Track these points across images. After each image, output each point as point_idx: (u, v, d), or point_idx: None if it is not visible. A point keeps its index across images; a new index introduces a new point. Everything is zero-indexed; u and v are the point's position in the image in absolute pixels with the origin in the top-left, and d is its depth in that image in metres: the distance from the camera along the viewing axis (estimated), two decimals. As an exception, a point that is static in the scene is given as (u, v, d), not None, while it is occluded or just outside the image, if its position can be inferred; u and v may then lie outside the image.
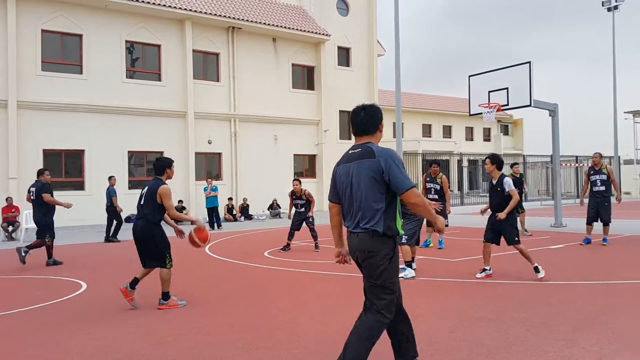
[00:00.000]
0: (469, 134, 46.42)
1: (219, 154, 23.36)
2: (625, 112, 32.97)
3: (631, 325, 4.82)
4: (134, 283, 6.07)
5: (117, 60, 20.78)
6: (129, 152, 21.04)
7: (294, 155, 25.43)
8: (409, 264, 7.61)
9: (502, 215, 7.13)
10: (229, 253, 10.84)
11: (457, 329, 4.95)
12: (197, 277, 8.07)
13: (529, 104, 14.07)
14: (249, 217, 21.55)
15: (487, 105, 14.76)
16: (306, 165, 26.34)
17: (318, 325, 5.08)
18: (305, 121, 25.64)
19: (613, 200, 11.00)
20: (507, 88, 14.35)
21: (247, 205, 22.04)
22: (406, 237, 7.69)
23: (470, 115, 16.16)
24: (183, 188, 21.67)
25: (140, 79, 21.55)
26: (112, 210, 13.96)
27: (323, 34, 25.67)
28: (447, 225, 11.83)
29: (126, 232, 14.72)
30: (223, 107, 23.28)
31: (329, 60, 26.60)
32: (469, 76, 15.66)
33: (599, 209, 10.54)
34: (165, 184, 6.08)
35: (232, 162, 23.36)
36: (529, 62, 14.07)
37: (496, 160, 7.17)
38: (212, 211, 17.61)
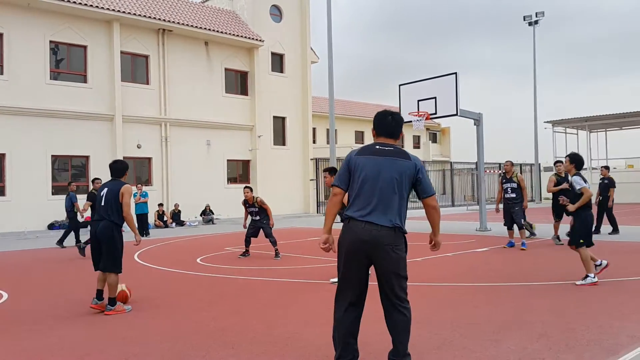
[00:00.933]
0: (400, 141, 47.59)
1: (149, 159, 22.66)
2: (545, 122, 34.95)
3: (551, 324, 5.09)
4: (99, 294, 6.12)
5: (41, 61, 19.75)
6: (52, 156, 20.03)
7: (227, 160, 25.11)
8: None
9: (572, 208, 7.03)
10: (159, 260, 10.50)
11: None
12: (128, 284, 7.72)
13: (455, 113, 14.57)
14: (180, 223, 21.06)
15: (416, 113, 15.15)
16: (240, 171, 26.07)
17: (251, 333, 5.01)
18: (238, 126, 25.39)
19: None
20: (435, 97, 14.79)
21: (179, 211, 21.51)
22: None
23: (400, 122, 16.54)
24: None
25: (66, 80, 20.58)
26: (73, 216, 13.47)
27: (256, 39, 25.56)
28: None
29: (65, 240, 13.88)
30: (153, 111, 22.63)
31: (263, 65, 26.52)
32: (399, 85, 16.03)
33: (512, 214, 11.08)
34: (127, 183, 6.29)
35: (162, 167, 22.74)
36: (455, 73, 14.58)
37: (575, 159, 7.18)
38: (142, 218, 17.08)
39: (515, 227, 11.27)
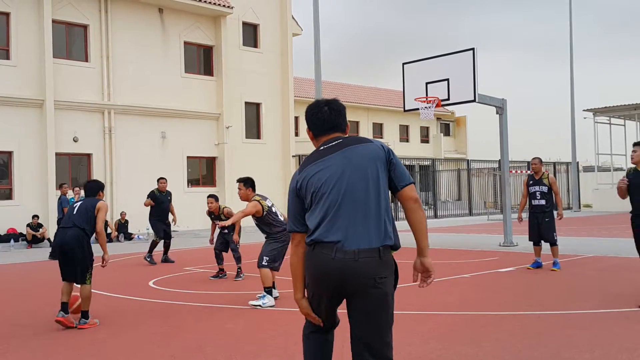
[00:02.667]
0: (404, 133, 47.90)
1: (89, 155, 22.50)
2: (584, 110, 35.07)
3: None
4: (65, 307, 6.86)
5: (-52, 30, 19.49)
6: (-36, 152, 19.78)
7: (188, 157, 25.02)
8: (269, 291, 7.96)
9: None
10: (102, 284, 10.41)
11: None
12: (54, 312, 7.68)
13: (472, 99, 14.62)
14: (128, 236, 20.95)
15: (424, 99, 15.19)
16: (203, 171, 25.97)
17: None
18: (201, 115, 25.31)
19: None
20: (447, 79, 14.83)
21: (126, 221, 21.37)
22: (267, 258, 7.99)
23: (405, 111, 16.62)
24: (39, 199, 20.61)
25: (-19, 55, 20.36)
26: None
27: (224, 6, 25.53)
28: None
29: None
30: (94, 95, 22.47)
31: (232, 39, 26.47)
32: (403, 64, 16.06)
33: (540, 226, 10.79)
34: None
35: (106, 165, 22.58)
36: (473, 49, 14.62)
37: None
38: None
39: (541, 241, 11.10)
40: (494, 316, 7.09)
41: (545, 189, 10.82)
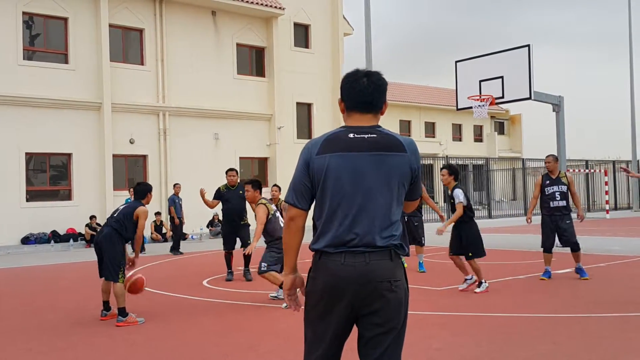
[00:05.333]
0: (457, 132, 47.32)
1: (144, 157, 23.01)
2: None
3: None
4: (106, 306, 7.47)
5: (12, 37, 20.26)
6: (27, 154, 20.50)
7: (240, 158, 25.30)
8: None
9: None
10: (158, 282, 10.67)
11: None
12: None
13: (528, 96, 14.42)
14: (182, 236, 21.29)
15: (478, 97, 15.06)
16: (255, 171, 26.23)
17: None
18: (253, 116, 25.58)
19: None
20: (502, 77, 14.69)
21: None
22: (266, 263, 8.09)
23: (458, 109, 16.47)
24: (97, 200, 21.21)
25: (42, 60, 21.04)
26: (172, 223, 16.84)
27: (276, 7, 25.74)
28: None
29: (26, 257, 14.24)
30: (149, 98, 22.97)
31: (284, 40, 26.67)
32: (456, 62, 15.97)
33: (559, 230, 9.93)
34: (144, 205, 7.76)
35: (160, 166, 23.05)
36: (528, 46, 14.44)
37: None
38: (135, 230, 17.41)
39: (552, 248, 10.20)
40: (550, 318, 6.96)
41: (564, 188, 9.91)
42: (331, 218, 2.98)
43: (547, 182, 10.08)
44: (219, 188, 11.62)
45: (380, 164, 2.97)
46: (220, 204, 11.55)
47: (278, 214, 8.62)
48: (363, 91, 3.06)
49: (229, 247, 11.12)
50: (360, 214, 2.95)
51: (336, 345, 3.05)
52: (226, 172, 11.79)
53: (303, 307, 3.14)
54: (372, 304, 2.92)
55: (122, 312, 7.15)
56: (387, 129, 3.11)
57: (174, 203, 16.97)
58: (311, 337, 3.08)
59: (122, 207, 7.78)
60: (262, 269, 8.10)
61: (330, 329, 3.00)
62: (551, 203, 10.00)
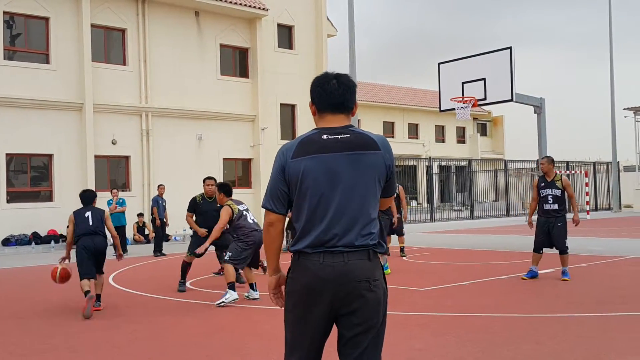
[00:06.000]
0: (440, 133, 47.55)
1: (127, 158, 22.87)
2: (624, 109, 34.61)
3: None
4: (99, 298, 8.38)
5: (-9, 36, 20.04)
6: (7, 155, 20.29)
7: (224, 159, 25.23)
8: (231, 286, 8.33)
9: None
10: (139, 284, 10.62)
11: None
12: (99, 314, 7.84)
13: (510, 98, 14.54)
14: (165, 237, 21.18)
15: (460, 99, 15.14)
16: (239, 172, 26.18)
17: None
18: (237, 117, 25.52)
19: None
20: (484, 79, 14.79)
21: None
22: (231, 254, 8.46)
23: (440, 111, 16.57)
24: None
25: (23, 60, 20.84)
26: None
27: (259, 8, 25.70)
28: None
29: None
30: (131, 98, 22.84)
31: (267, 41, 26.64)
32: (439, 64, 16.05)
33: (551, 232, 9.93)
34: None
35: (143, 167, 22.93)
36: (510, 48, 14.55)
37: None
38: (118, 231, 17.21)
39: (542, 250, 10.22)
40: (533, 318, 7.00)
41: (558, 192, 9.85)
42: (310, 219, 3.00)
43: (542, 184, 10.03)
44: (195, 198, 10.63)
45: (356, 163, 3.00)
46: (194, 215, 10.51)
47: (248, 213, 8.78)
48: (334, 92, 3.10)
49: (195, 252, 9.71)
50: (338, 214, 2.98)
51: (316, 345, 3.07)
52: (204, 181, 10.78)
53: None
54: (351, 303, 2.94)
55: (99, 297, 8.43)
56: (359, 128, 3.14)
57: (157, 204, 16.88)
58: (291, 338, 3.10)
59: (89, 214, 8.71)
60: (226, 258, 8.56)
61: (310, 329, 3.01)
62: (545, 206, 9.99)
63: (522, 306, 7.76)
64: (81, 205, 8.98)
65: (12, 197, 20.33)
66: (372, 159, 3.02)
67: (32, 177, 21.23)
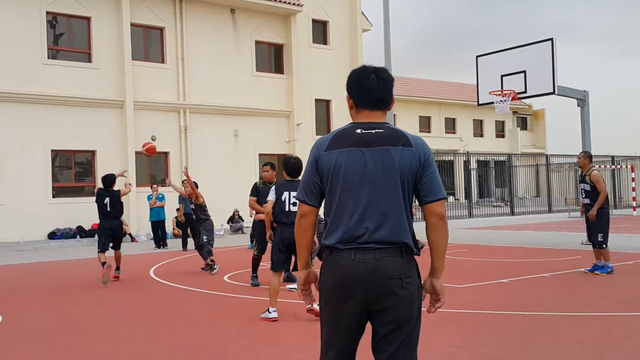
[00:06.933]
0: (478, 128, 46.96)
1: (166, 154, 23.19)
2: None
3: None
4: (117, 269, 10.76)
5: (36, 37, 20.52)
6: (52, 151, 20.79)
7: (259, 154, 25.39)
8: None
9: None
10: (178, 277, 10.76)
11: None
12: (140, 307, 7.97)
13: (552, 91, 14.27)
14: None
15: (500, 92, 14.93)
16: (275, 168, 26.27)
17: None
18: (272, 112, 25.63)
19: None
20: (524, 71, 14.56)
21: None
22: (205, 237, 10.18)
23: (479, 105, 16.33)
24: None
25: (66, 59, 21.32)
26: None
27: (294, 4, 25.72)
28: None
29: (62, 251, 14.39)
30: (170, 95, 23.14)
31: (302, 36, 26.66)
32: (477, 57, 15.86)
33: (587, 225, 10.24)
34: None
35: (182, 163, 23.21)
36: (552, 39, 14.29)
37: None
38: (158, 226, 17.51)
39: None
40: (575, 317, 6.83)
41: (587, 187, 9.94)
42: (340, 213, 2.98)
43: (580, 178, 10.36)
44: (256, 183, 10.26)
45: (387, 158, 2.96)
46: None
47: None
48: (373, 88, 3.06)
49: (261, 250, 9.81)
50: (369, 208, 2.94)
51: (350, 342, 3.03)
52: (262, 167, 10.37)
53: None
54: (383, 300, 2.90)
55: (119, 268, 10.83)
56: (393, 125, 3.09)
57: (184, 200, 16.68)
58: (326, 335, 3.07)
59: (106, 202, 10.58)
60: (204, 239, 11.14)
61: (343, 325, 2.98)
62: (582, 200, 10.34)
63: (563, 304, 7.59)
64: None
65: (58, 192, 20.83)
66: (404, 154, 2.97)
67: (76, 172, 21.76)
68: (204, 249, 11.40)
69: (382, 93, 3.07)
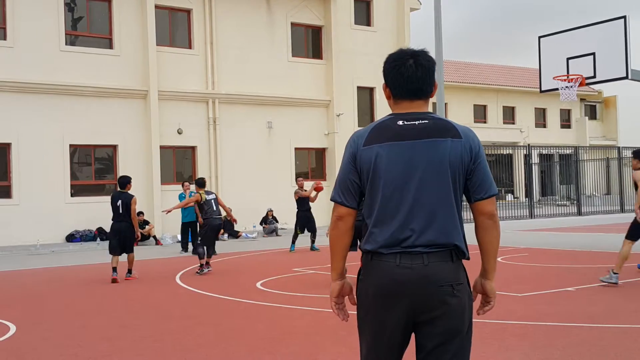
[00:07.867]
0: (540, 117, 46.31)
1: (193, 148, 23.40)
2: None
3: None
4: (130, 270, 11.79)
5: (53, 22, 20.88)
6: (71, 146, 21.11)
7: (295, 149, 25.43)
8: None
9: None
10: (207, 284, 10.87)
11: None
12: (167, 316, 8.11)
13: (624, 75, 14.05)
14: (234, 234, 21.54)
15: (565, 77, 14.75)
16: (312, 163, 26.33)
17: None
18: (310, 102, 25.65)
19: None
20: (593, 53, 14.36)
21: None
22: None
23: (541, 91, 16.13)
24: (144, 195, 21.58)
25: (85, 45, 21.64)
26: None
27: (335, -19, 25.70)
28: None
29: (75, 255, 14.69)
30: (198, 84, 23.33)
31: (343, 17, 26.61)
32: (539, 37, 15.68)
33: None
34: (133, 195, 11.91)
35: (210, 158, 23.39)
36: (624, 17, 14.03)
37: None
38: (189, 227, 17.33)
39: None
40: (650, 330, 6.72)
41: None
42: (383, 214, 2.93)
43: None
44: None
45: (434, 151, 2.90)
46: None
47: (214, 202, 12.91)
48: (411, 77, 3.00)
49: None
50: (415, 208, 2.89)
51: (394, 357, 3.00)
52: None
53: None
54: (432, 310, 2.85)
55: (130, 270, 11.78)
56: (437, 115, 3.03)
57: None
58: (366, 350, 3.05)
59: (119, 204, 11.59)
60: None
61: (386, 339, 2.95)
62: None
63: (637, 316, 7.46)
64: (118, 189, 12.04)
65: (77, 191, 21.15)
66: (453, 146, 2.91)
67: (96, 169, 22.00)
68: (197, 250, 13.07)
69: (422, 81, 3.01)
